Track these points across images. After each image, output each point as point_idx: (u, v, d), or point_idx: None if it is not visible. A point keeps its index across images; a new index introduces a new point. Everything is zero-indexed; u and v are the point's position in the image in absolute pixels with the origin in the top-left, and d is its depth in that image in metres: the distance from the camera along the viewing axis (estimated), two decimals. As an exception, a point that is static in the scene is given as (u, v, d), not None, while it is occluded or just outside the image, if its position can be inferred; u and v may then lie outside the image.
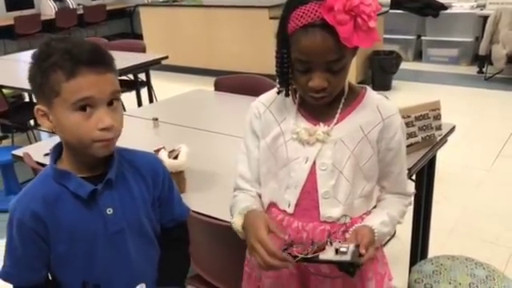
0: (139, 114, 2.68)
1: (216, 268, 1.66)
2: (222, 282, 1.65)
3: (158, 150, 1.74)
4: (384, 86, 5.46)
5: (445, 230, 2.83)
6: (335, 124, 1.19)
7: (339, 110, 1.20)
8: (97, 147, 1.04)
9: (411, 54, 6.78)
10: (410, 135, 1.87)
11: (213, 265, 1.66)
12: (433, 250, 2.41)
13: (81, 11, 8.55)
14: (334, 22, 1.03)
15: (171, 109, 2.79)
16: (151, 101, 4.25)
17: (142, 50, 4.44)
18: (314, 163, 1.18)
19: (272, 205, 1.27)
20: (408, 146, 1.80)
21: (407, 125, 1.85)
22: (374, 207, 1.29)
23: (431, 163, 2.15)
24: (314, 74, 1.10)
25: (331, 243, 1.10)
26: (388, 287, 1.31)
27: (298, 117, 1.22)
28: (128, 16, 9.56)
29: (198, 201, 1.62)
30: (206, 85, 3.51)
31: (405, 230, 2.20)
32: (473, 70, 6.20)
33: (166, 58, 4.15)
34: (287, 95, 1.22)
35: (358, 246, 1.08)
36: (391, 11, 6.19)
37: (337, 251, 1.07)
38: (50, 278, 1.16)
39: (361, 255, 1.07)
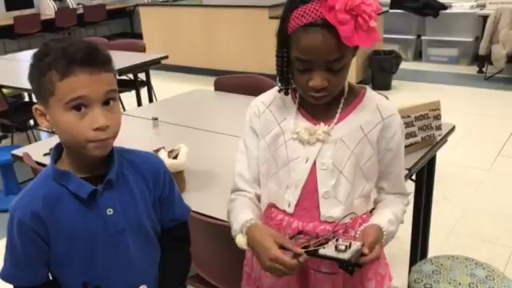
0: (139, 114, 2.68)
1: (215, 268, 1.66)
2: (221, 282, 1.65)
3: (157, 150, 1.73)
4: (384, 86, 5.46)
5: (444, 230, 2.83)
6: (335, 124, 1.19)
7: (339, 110, 1.20)
8: (92, 147, 1.03)
9: (411, 54, 6.78)
10: (409, 135, 1.87)
11: (212, 264, 1.66)
12: (432, 250, 2.42)
13: (81, 11, 8.56)
14: (335, 21, 1.03)
15: (171, 108, 2.79)
16: (151, 100, 4.25)
17: (142, 49, 4.44)
18: (315, 163, 1.18)
19: (272, 205, 1.26)
20: (408, 146, 1.80)
21: (407, 125, 1.85)
22: (373, 209, 1.29)
23: (431, 163, 2.15)
24: (314, 73, 1.10)
25: (337, 239, 1.10)
26: None
27: (298, 116, 1.22)
28: (128, 16, 9.57)
29: (198, 200, 1.62)
30: (206, 84, 3.52)
31: (404, 230, 2.20)
32: (473, 69, 6.20)
33: (166, 57, 4.15)
34: (287, 94, 1.22)
35: (363, 245, 1.08)
36: (391, 11, 6.20)
37: (336, 248, 1.07)
38: (51, 278, 1.16)
39: (363, 255, 1.07)
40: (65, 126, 1.01)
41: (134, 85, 4.17)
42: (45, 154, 1.96)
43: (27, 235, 1.07)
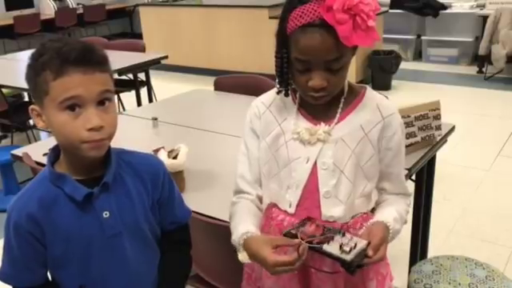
0: (139, 114, 2.67)
1: (216, 268, 1.66)
2: (221, 282, 1.64)
3: (157, 150, 1.73)
4: (384, 86, 5.46)
5: (444, 230, 2.83)
6: (336, 123, 1.19)
7: (339, 110, 1.20)
8: (86, 149, 1.02)
9: (411, 54, 6.78)
10: (409, 135, 1.87)
11: (212, 265, 1.65)
12: (432, 250, 2.41)
13: (80, 11, 8.56)
14: (333, 21, 1.03)
15: (171, 108, 2.79)
16: (151, 100, 4.25)
17: (142, 49, 4.43)
18: (315, 163, 1.18)
19: (273, 205, 1.26)
20: (408, 146, 1.80)
21: (407, 125, 1.85)
22: (373, 209, 1.29)
23: (431, 163, 2.15)
24: (313, 73, 1.10)
25: (343, 234, 1.09)
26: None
27: (299, 117, 1.22)
28: (128, 16, 9.57)
29: (198, 201, 1.62)
30: (206, 84, 3.51)
31: (404, 230, 2.18)
32: (472, 69, 6.20)
33: (166, 57, 4.15)
34: (287, 95, 1.21)
35: (369, 244, 1.07)
36: (391, 11, 6.20)
37: (341, 247, 1.06)
38: (51, 279, 1.16)
39: (367, 255, 1.06)
40: (59, 126, 1.01)
41: (134, 85, 4.16)
42: (44, 154, 1.96)
43: (23, 237, 1.06)
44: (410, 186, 1.92)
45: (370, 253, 1.06)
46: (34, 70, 1.00)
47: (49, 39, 1.04)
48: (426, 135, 1.94)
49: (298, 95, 1.23)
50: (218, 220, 1.47)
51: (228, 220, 1.42)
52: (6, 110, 3.72)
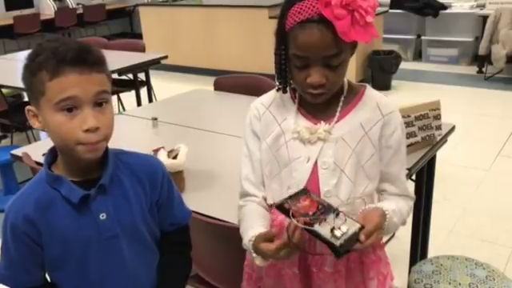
0: (138, 114, 2.67)
1: (216, 268, 1.65)
2: (221, 283, 1.64)
3: (157, 150, 1.73)
4: (384, 86, 5.46)
5: (444, 230, 2.83)
6: (336, 122, 1.18)
7: (339, 108, 1.20)
8: (81, 150, 1.01)
9: (411, 54, 6.78)
10: (409, 135, 1.87)
11: (212, 265, 1.65)
12: (432, 250, 2.41)
13: (80, 11, 8.56)
14: (332, 16, 1.04)
15: (170, 108, 2.79)
16: (151, 100, 4.24)
17: (142, 49, 4.43)
18: (316, 162, 1.18)
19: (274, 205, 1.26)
20: (408, 146, 1.79)
21: (407, 125, 1.85)
22: None
23: (431, 163, 2.14)
24: (312, 69, 1.10)
25: (337, 215, 1.07)
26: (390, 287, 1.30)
27: (299, 116, 1.22)
28: (128, 16, 9.57)
29: (198, 201, 1.62)
30: (206, 84, 3.51)
31: (404, 230, 2.19)
32: (472, 69, 6.20)
33: (166, 57, 4.15)
34: (285, 92, 1.21)
35: (362, 228, 1.05)
36: (391, 11, 6.20)
37: (332, 230, 1.04)
38: (49, 280, 1.15)
39: (358, 240, 1.04)
40: (55, 127, 1.00)
41: (134, 85, 4.16)
42: (43, 154, 1.95)
43: (20, 238, 1.06)
44: (410, 186, 1.92)
45: (362, 238, 1.04)
46: (30, 71, 1.00)
47: (46, 39, 1.04)
48: (426, 135, 1.94)
49: (297, 95, 1.23)
50: (218, 220, 1.46)
51: (229, 220, 1.43)
52: (5, 109, 3.72)
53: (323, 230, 1.04)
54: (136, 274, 1.16)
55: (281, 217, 1.22)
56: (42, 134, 4.45)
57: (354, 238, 1.04)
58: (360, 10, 1.05)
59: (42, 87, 0.98)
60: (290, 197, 1.11)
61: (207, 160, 1.97)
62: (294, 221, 1.03)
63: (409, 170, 1.77)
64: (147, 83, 4.19)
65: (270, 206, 1.26)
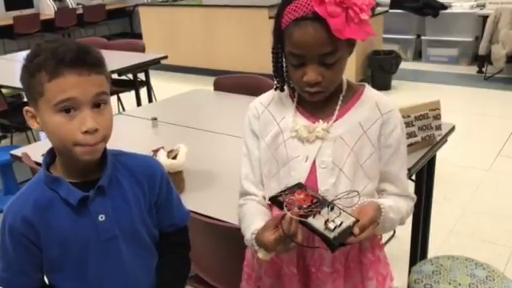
0: (138, 114, 2.67)
1: (215, 268, 1.65)
2: (221, 283, 1.64)
3: (156, 150, 1.73)
4: (383, 86, 5.45)
5: (444, 230, 2.83)
6: (334, 121, 1.18)
7: (338, 107, 1.19)
8: (79, 152, 1.01)
9: (411, 54, 6.78)
10: (409, 135, 1.87)
11: (212, 265, 1.65)
12: (432, 251, 2.41)
13: (80, 11, 8.56)
14: (326, 14, 1.04)
15: (170, 109, 2.79)
16: (150, 100, 4.24)
17: (142, 49, 4.43)
18: (314, 162, 1.18)
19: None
20: (408, 146, 1.79)
21: (407, 125, 1.84)
22: None
23: (431, 163, 2.14)
24: (307, 68, 1.10)
25: (332, 208, 1.07)
26: (389, 288, 1.30)
27: (297, 115, 1.22)
28: (127, 16, 9.57)
29: (197, 201, 1.62)
30: (206, 84, 3.51)
31: (404, 230, 2.20)
32: (472, 69, 6.20)
33: (166, 57, 4.15)
34: (282, 90, 1.22)
35: (357, 222, 1.05)
36: (391, 11, 6.20)
37: (326, 223, 1.03)
38: (47, 282, 1.15)
39: (353, 234, 1.04)
40: (53, 128, 1.00)
41: (134, 85, 4.16)
42: (43, 155, 1.96)
43: (18, 240, 1.06)
44: (410, 186, 1.92)
45: (356, 231, 1.04)
46: (29, 71, 0.99)
47: (44, 40, 1.03)
48: (426, 135, 1.93)
49: (296, 93, 1.23)
50: (217, 220, 1.46)
51: (228, 221, 1.43)
52: (5, 110, 3.72)
53: (317, 222, 1.04)
54: (135, 275, 1.15)
55: (279, 214, 1.22)
56: (42, 135, 4.44)
57: (349, 231, 1.04)
58: (354, 7, 1.05)
59: (41, 88, 0.98)
60: (285, 190, 1.11)
61: (207, 160, 1.97)
62: (288, 213, 1.03)
63: (409, 170, 1.77)
64: (147, 83, 4.19)
65: (270, 205, 1.25)
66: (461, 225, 2.91)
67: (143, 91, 4.22)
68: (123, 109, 4.41)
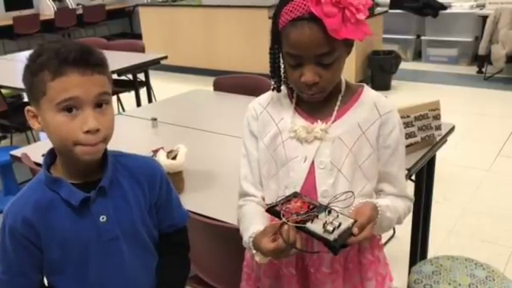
0: (138, 114, 2.67)
1: (214, 268, 1.65)
2: (220, 283, 1.64)
3: (156, 151, 1.73)
4: (383, 86, 5.46)
5: (444, 230, 2.83)
6: (333, 122, 1.18)
7: (337, 108, 1.19)
8: (80, 151, 1.01)
9: (411, 54, 6.78)
10: (409, 135, 1.87)
11: (211, 265, 1.65)
12: (432, 251, 2.41)
13: (80, 11, 8.56)
14: (322, 14, 1.04)
15: (170, 109, 2.79)
16: (150, 101, 4.25)
17: (141, 49, 4.43)
18: (313, 162, 1.18)
19: (271, 205, 1.26)
20: (407, 146, 1.79)
21: (407, 125, 1.85)
22: None
23: (431, 163, 2.14)
24: (305, 68, 1.10)
25: (329, 212, 1.07)
26: (388, 288, 1.30)
27: (296, 115, 1.22)
28: (127, 16, 9.57)
29: (197, 201, 1.62)
30: (205, 85, 3.51)
31: (404, 231, 2.20)
32: (472, 69, 6.20)
33: (165, 57, 4.15)
34: (279, 91, 1.22)
35: (355, 223, 1.05)
36: (391, 11, 6.20)
37: (324, 226, 1.03)
38: (47, 284, 1.15)
39: (353, 234, 1.04)
40: (55, 127, 1.00)
41: (134, 85, 4.16)
42: (43, 155, 1.95)
43: (18, 241, 1.06)
44: (410, 187, 1.92)
45: (355, 230, 1.04)
46: (32, 71, 1.00)
47: (47, 41, 1.04)
48: (425, 135, 1.93)
49: (295, 94, 1.23)
50: (216, 220, 1.46)
51: (228, 221, 1.43)
52: (5, 110, 3.72)
53: (315, 226, 1.04)
54: (135, 275, 1.15)
55: (278, 221, 1.22)
56: (42, 135, 4.45)
57: (348, 232, 1.04)
58: (351, 7, 1.05)
59: (44, 87, 0.98)
60: (281, 200, 1.11)
61: (206, 160, 1.96)
62: (285, 219, 1.04)
63: (408, 170, 1.77)
64: (147, 83, 4.20)
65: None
66: (461, 225, 2.91)
67: (143, 91, 4.22)
68: (123, 109, 4.41)
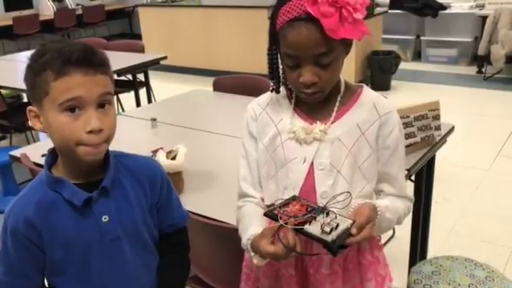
0: (137, 115, 2.67)
1: (214, 269, 1.65)
2: (220, 283, 1.64)
3: (156, 151, 1.73)
4: (383, 86, 5.46)
5: (444, 231, 2.83)
6: (332, 122, 1.18)
7: (336, 108, 1.19)
8: (82, 152, 1.01)
9: (410, 54, 6.78)
10: (409, 135, 1.87)
11: (211, 266, 1.65)
12: (432, 251, 2.41)
13: (80, 11, 8.55)
14: (319, 14, 1.03)
15: (170, 109, 2.79)
16: (150, 101, 4.24)
17: (141, 50, 4.44)
18: (312, 163, 1.18)
19: (270, 206, 1.26)
20: (407, 147, 1.79)
21: (406, 125, 1.85)
22: None
23: (430, 163, 2.14)
24: (303, 69, 1.10)
25: (327, 214, 1.07)
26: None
27: (295, 116, 1.22)
28: (127, 16, 9.57)
29: (196, 201, 1.62)
30: (205, 85, 3.51)
31: (404, 231, 2.20)
32: (472, 69, 6.21)
33: (165, 58, 4.15)
34: (278, 92, 1.22)
35: (353, 224, 1.05)
36: (390, 11, 6.20)
37: (322, 227, 1.03)
38: (48, 286, 1.14)
39: (351, 235, 1.04)
40: (57, 127, 1.00)
41: (133, 85, 4.16)
42: (43, 155, 1.95)
43: (20, 241, 1.05)
44: (410, 187, 1.92)
45: (354, 231, 1.04)
46: (34, 71, 1.00)
47: (50, 40, 1.04)
48: (425, 135, 1.93)
49: (294, 95, 1.23)
50: (216, 221, 1.46)
51: (227, 221, 1.43)
52: (4, 110, 3.72)
53: (313, 228, 1.04)
54: (137, 275, 1.16)
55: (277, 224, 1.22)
56: (41, 135, 4.45)
57: (347, 233, 1.04)
58: (348, 6, 1.04)
59: (47, 87, 0.98)
60: (280, 204, 1.11)
61: (206, 161, 1.96)
62: (282, 222, 1.04)
63: (408, 170, 1.77)
64: (146, 84, 4.20)
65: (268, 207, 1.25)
66: (460, 225, 2.91)
67: (142, 92, 4.22)
68: (122, 109, 4.41)
